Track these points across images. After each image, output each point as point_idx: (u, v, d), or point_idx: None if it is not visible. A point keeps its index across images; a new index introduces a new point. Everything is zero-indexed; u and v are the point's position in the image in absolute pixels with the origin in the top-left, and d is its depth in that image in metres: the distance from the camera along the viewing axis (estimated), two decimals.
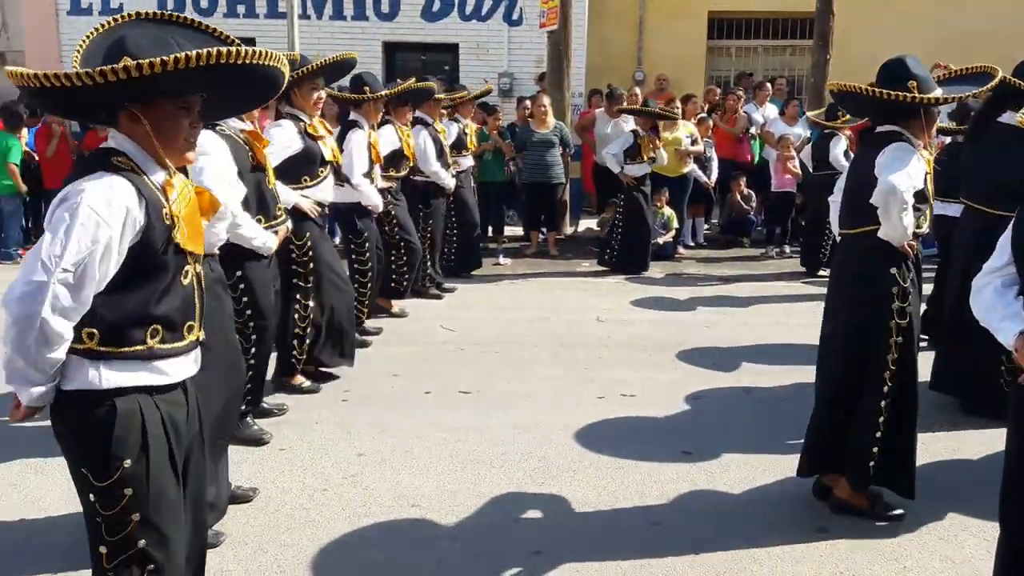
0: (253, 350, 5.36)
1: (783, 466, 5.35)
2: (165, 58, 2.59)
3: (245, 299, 5.22)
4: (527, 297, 10.23)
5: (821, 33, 14.16)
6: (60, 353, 2.71)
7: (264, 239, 5.17)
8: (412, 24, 17.06)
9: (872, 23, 16.24)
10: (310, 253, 6.35)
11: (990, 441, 5.82)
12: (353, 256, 7.76)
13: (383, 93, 7.76)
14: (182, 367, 3.01)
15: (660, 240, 12.42)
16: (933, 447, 5.59)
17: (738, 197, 13.66)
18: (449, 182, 9.69)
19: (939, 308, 7.41)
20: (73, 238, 2.64)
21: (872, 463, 4.62)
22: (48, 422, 2.88)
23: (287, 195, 6.03)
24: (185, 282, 2.97)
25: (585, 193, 15.37)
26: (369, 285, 7.89)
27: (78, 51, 2.99)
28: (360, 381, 6.94)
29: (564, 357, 7.75)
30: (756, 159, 14.12)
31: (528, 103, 13.30)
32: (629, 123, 11.86)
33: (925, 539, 4.58)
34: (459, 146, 10.66)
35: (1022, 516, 3.31)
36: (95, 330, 2.78)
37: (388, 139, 8.35)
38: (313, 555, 4.38)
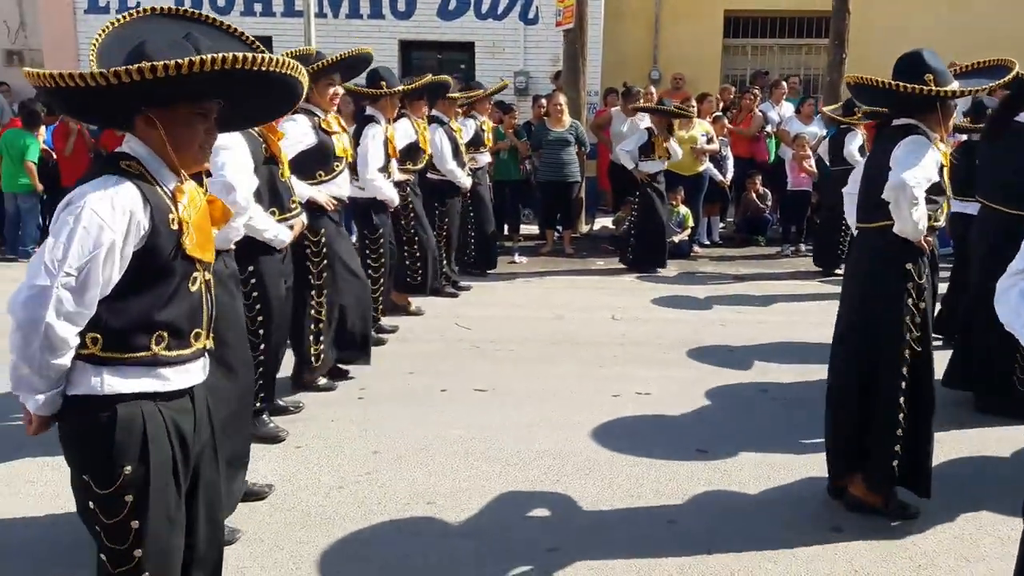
0: (262, 345, 5.34)
1: (798, 465, 5.36)
2: (180, 61, 2.56)
3: (255, 294, 5.20)
4: (542, 295, 10.24)
5: (837, 32, 14.13)
6: (66, 360, 2.68)
7: (276, 231, 5.15)
8: (428, 22, 17.08)
9: (888, 22, 16.18)
10: (324, 250, 6.36)
11: (1005, 440, 5.84)
12: (368, 251, 7.78)
13: (399, 88, 7.77)
14: (188, 375, 2.97)
15: (676, 239, 12.42)
16: (947, 445, 5.57)
17: (754, 196, 13.64)
18: (465, 181, 9.71)
19: (953, 308, 7.40)
20: (76, 242, 2.62)
21: (896, 462, 4.59)
22: None
23: (302, 189, 6.04)
24: (193, 289, 2.92)
25: (601, 191, 15.37)
26: (382, 281, 7.91)
27: (94, 45, 2.97)
28: (376, 379, 6.96)
29: (579, 355, 7.76)
30: (772, 158, 14.08)
31: (544, 102, 13.30)
32: (645, 121, 11.85)
33: (940, 537, 4.57)
34: (477, 143, 10.70)
35: None
36: (98, 335, 2.75)
37: (404, 132, 8.38)
38: (328, 552, 4.40)
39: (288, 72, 2.80)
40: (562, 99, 12.58)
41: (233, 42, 3.23)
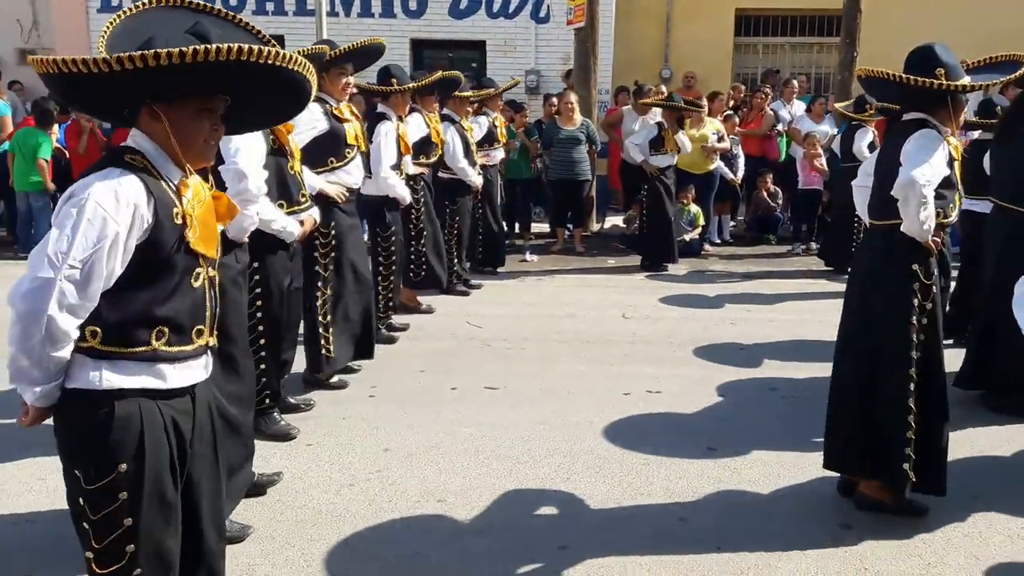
0: (263, 340, 5.31)
1: (808, 463, 5.35)
2: (185, 49, 2.54)
3: (258, 290, 5.18)
4: (553, 293, 10.25)
5: (848, 30, 14.12)
6: (66, 352, 2.65)
7: (284, 223, 5.12)
8: (440, 21, 17.09)
9: (899, 20, 16.13)
10: (334, 243, 6.38)
11: (1016, 439, 5.83)
12: (380, 249, 7.80)
13: (410, 85, 7.79)
14: (189, 372, 2.93)
15: (687, 237, 12.43)
16: (958, 444, 5.54)
17: (764, 194, 13.64)
18: (476, 179, 9.72)
19: (963, 307, 7.39)
20: (80, 234, 2.59)
21: (907, 465, 4.57)
22: None
23: (312, 180, 6.05)
24: (196, 284, 2.89)
25: (612, 190, 15.38)
26: (393, 279, 7.93)
27: (103, 36, 2.91)
28: (387, 377, 6.98)
29: (590, 353, 7.77)
30: (783, 156, 14.07)
31: (555, 100, 13.34)
32: (656, 119, 11.84)
33: (950, 536, 4.57)
34: (491, 139, 10.72)
35: None
36: (98, 328, 2.71)
37: (416, 126, 8.41)
38: (339, 549, 4.41)
39: (295, 68, 2.77)
40: (573, 98, 12.60)
41: (243, 35, 3.21)
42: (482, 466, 5.40)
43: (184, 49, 2.54)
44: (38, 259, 2.60)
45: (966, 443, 5.67)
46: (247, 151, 4.51)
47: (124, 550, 2.77)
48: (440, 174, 9.37)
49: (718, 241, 13.59)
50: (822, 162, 12.39)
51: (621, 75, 16.56)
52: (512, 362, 7.50)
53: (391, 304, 8.08)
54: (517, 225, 13.61)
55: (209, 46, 2.56)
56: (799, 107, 14.22)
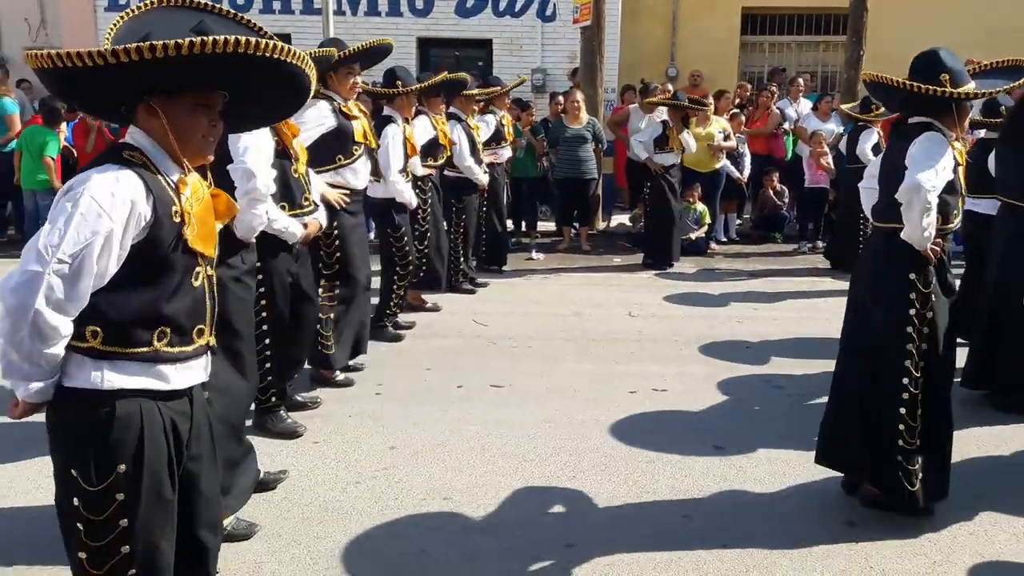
0: (267, 340, 5.31)
1: (813, 461, 5.36)
2: (181, 41, 2.50)
3: (262, 289, 5.15)
4: (559, 292, 10.25)
5: (855, 29, 14.10)
6: (58, 349, 2.61)
7: (286, 224, 5.09)
8: (446, 20, 17.10)
9: (906, 18, 16.12)
10: (336, 243, 6.41)
11: (1020, 438, 5.84)
12: (393, 249, 7.80)
13: (415, 87, 7.80)
14: (190, 372, 2.92)
15: (692, 235, 12.43)
16: (962, 444, 5.54)
17: (771, 192, 13.64)
18: (482, 178, 9.73)
19: (965, 306, 7.36)
20: (72, 228, 2.55)
21: (901, 473, 4.57)
22: None
23: (315, 184, 6.05)
24: (196, 284, 2.87)
25: (618, 188, 15.38)
26: (408, 278, 7.95)
27: (107, 38, 2.91)
28: (393, 375, 7.00)
29: (596, 352, 7.78)
30: (789, 155, 14.06)
31: (561, 99, 13.33)
32: (662, 117, 11.84)
33: (955, 534, 4.57)
34: (498, 138, 10.75)
35: None
36: (98, 328, 2.68)
37: (424, 129, 8.42)
38: (345, 547, 4.43)
39: (294, 61, 2.74)
40: (579, 96, 12.61)
41: (247, 33, 3.19)
42: (488, 464, 5.41)
43: (180, 41, 2.51)
44: (29, 252, 2.57)
45: (971, 442, 5.67)
46: (255, 150, 4.52)
47: (119, 551, 2.75)
48: (446, 173, 9.38)
49: (724, 239, 13.58)
50: (828, 160, 12.37)
51: (627, 74, 16.57)
52: (518, 360, 7.51)
53: (400, 303, 8.09)
54: (523, 223, 13.61)
55: (205, 38, 2.53)
56: (805, 105, 14.20)
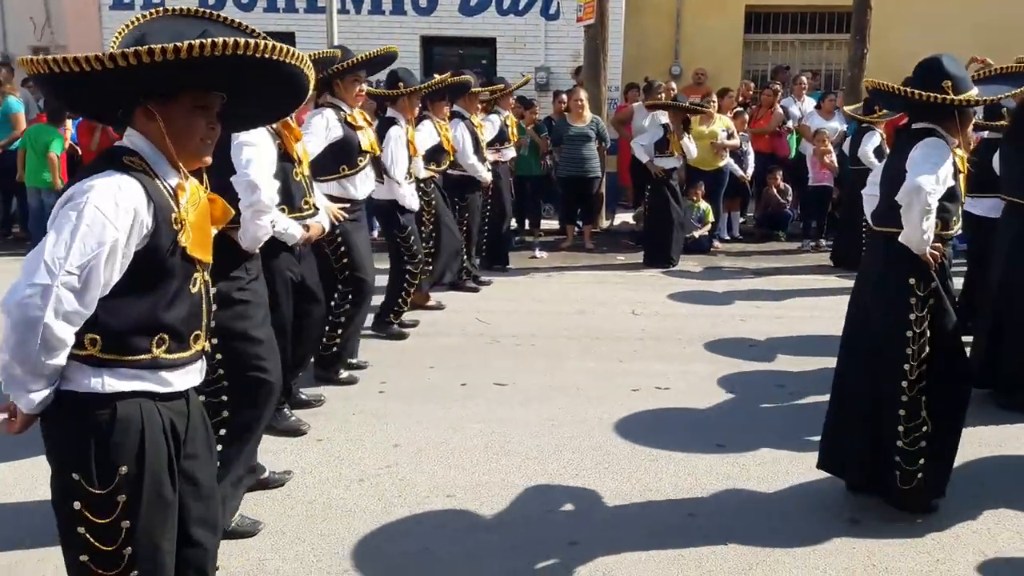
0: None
1: (815, 459, 5.36)
2: (179, 44, 2.48)
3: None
4: (563, 290, 10.26)
5: (859, 27, 14.09)
6: (61, 359, 2.58)
7: (286, 225, 5.05)
8: (450, 18, 17.11)
9: (909, 17, 16.11)
10: (342, 248, 6.42)
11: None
12: (401, 249, 7.80)
13: (417, 87, 7.81)
14: (187, 376, 2.90)
15: (696, 234, 12.44)
16: (966, 442, 5.49)
17: (774, 191, 13.63)
18: (486, 176, 9.74)
19: (968, 303, 7.37)
20: (78, 240, 2.52)
21: (899, 472, 4.59)
22: None
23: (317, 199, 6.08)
24: (193, 290, 2.85)
25: (621, 187, 15.38)
26: (419, 276, 7.96)
27: (114, 43, 2.84)
28: (396, 373, 7.01)
29: (599, 350, 7.79)
30: (793, 153, 14.06)
31: (564, 97, 13.33)
32: (665, 117, 11.84)
33: (958, 532, 4.57)
34: (502, 138, 10.77)
35: None
36: (97, 336, 2.65)
37: (428, 134, 8.44)
38: (349, 544, 4.44)
39: (291, 61, 2.72)
40: (583, 95, 12.60)
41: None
42: (491, 462, 5.42)
43: (179, 45, 2.49)
44: (34, 264, 2.52)
45: (974, 440, 5.66)
46: (258, 161, 4.48)
47: (122, 553, 2.74)
48: (450, 171, 9.39)
49: (728, 238, 13.59)
50: (832, 159, 12.38)
51: (631, 72, 16.58)
52: (522, 358, 7.52)
53: (407, 301, 8.10)
54: (527, 222, 13.62)
55: (204, 41, 2.51)
56: (809, 104, 14.20)
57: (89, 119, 10.74)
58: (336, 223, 6.21)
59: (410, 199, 7.60)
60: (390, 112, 7.73)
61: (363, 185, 6.58)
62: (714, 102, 12.83)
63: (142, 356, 2.73)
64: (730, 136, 12.85)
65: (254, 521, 4.54)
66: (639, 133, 12.37)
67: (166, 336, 2.77)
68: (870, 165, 9.81)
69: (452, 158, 9.03)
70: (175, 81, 2.68)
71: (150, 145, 2.77)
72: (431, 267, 8.82)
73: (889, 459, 4.59)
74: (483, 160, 9.69)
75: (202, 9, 3.18)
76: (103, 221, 2.56)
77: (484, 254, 10.94)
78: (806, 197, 13.43)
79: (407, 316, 8.35)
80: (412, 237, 7.78)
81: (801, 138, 13.79)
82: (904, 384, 4.52)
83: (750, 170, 13.54)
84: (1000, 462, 5.51)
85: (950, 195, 4.52)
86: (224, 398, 4.41)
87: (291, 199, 5.24)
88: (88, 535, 2.71)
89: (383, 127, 7.48)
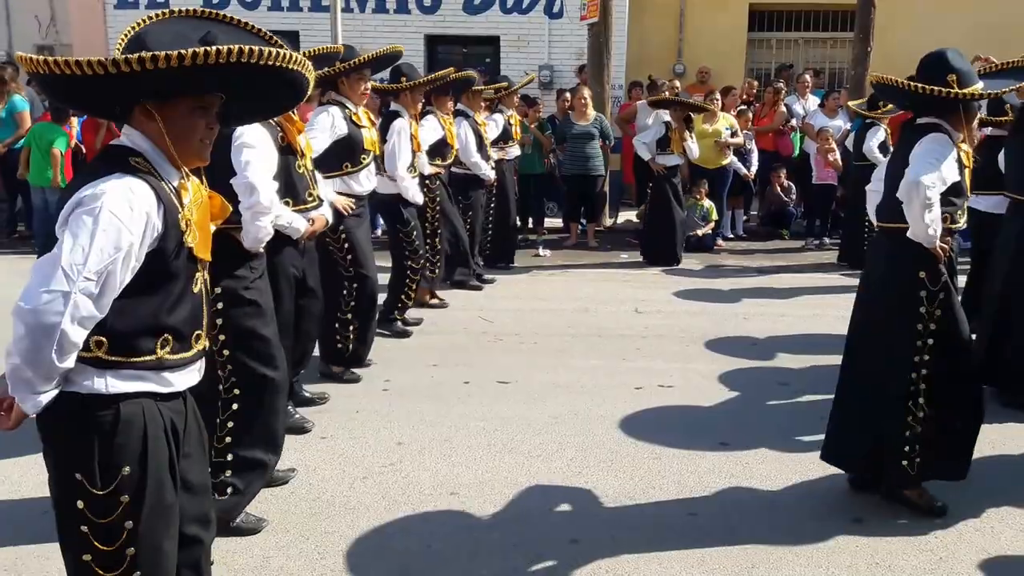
0: None
1: (819, 457, 5.38)
2: (184, 52, 2.49)
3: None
4: (566, 288, 10.27)
5: (862, 25, 14.08)
6: (71, 362, 2.57)
7: (290, 219, 5.07)
8: (454, 17, 17.11)
9: (913, 15, 16.09)
10: (347, 245, 6.44)
11: None
12: (404, 244, 7.82)
13: (420, 81, 7.82)
14: (188, 376, 2.91)
15: (699, 232, 12.44)
16: None
17: (778, 189, 13.63)
18: (489, 174, 9.76)
19: (974, 301, 7.37)
20: (96, 245, 2.51)
21: (905, 462, 4.60)
22: None
23: (323, 191, 6.10)
24: (195, 290, 2.86)
25: (625, 185, 15.39)
26: (420, 272, 7.97)
27: (119, 46, 2.87)
28: (400, 371, 7.02)
29: (602, 348, 7.79)
30: (797, 152, 14.06)
31: (568, 95, 13.35)
32: (667, 114, 11.84)
33: (961, 530, 4.58)
34: (506, 137, 10.78)
35: None
36: (104, 339, 2.64)
37: (432, 128, 8.45)
38: (353, 542, 4.45)
39: (292, 67, 2.72)
40: (586, 93, 12.61)
41: (255, 40, 3.18)
42: (495, 460, 5.43)
43: (183, 52, 2.50)
44: (50, 270, 2.51)
45: (978, 438, 5.67)
46: (257, 163, 4.46)
47: (124, 553, 2.74)
48: (453, 170, 9.40)
49: (731, 236, 13.58)
50: (836, 157, 12.38)
51: (634, 70, 16.56)
52: (525, 356, 7.52)
53: (410, 298, 8.11)
54: (530, 220, 13.63)
55: (209, 48, 2.52)
56: (813, 102, 14.20)
57: (86, 114, 10.76)
58: (346, 213, 6.28)
59: (413, 191, 7.61)
60: (393, 106, 7.74)
61: (366, 181, 6.61)
62: (717, 100, 12.84)
63: (147, 357, 2.73)
64: (734, 134, 12.85)
65: (258, 518, 4.56)
66: (643, 131, 12.37)
67: (170, 337, 2.77)
68: (875, 161, 9.81)
69: (456, 152, 9.03)
70: (176, 85, 2.68)
71: (151, 144, 2.76)
72: (438, 266, 8.83)
73: (894, 453, 4.59)
74: (487, 159, 9.70)
75: (206, 9, 3.17)
76: (119, 226, 2.55)
77: (488, 252, 10.94)
78: (810, 195, 13.43)
79: (411, 314, 8.36)
80: (415, 232, 7.79)
81: (805, 136, 13.78)
82: (913, 376, 4.52)
83: (754, 168, 13.53)
84: (1003, 460, 5.50)
85: (955, 190, 4.51)
86: (236, 392, 4.43)
87: (295, 191, 5.26)
88: (90, 535, 2.71)
89: (387, 121, 7.49)
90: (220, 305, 4.35)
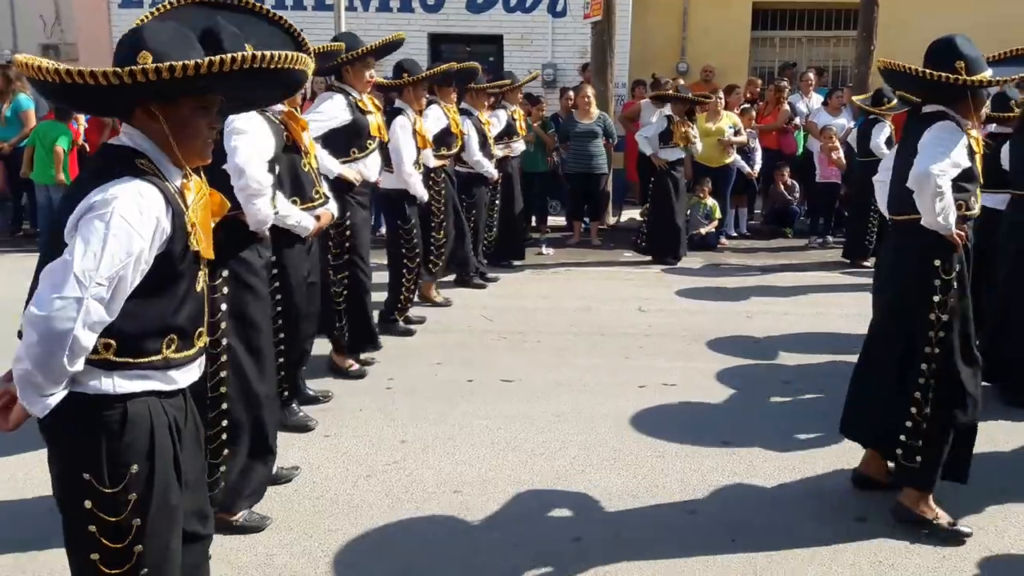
0: (281, 335, 5.33)
1: (822, 456, 5.39)
2: (188, 63, 2.51)
3: (276, 284, 5.17)
4: (569, 286, 10.28)
5: (866, 24, 14.08)
6: (80, 364, 2.57)
7: (299, 218, 5.11)
8: (457, 15, 17.11)
9: (917, 14, 16.05)
10: (347, 233, 6.48)
11: None
12: (402, 241, 7.83)
13: (422, 75, 7.83)
14: (190, 373, 2.92)
15: (703, 230, 12.44)
16: None
17: (781, 187, 13.62)
18: (492, 171, 9.77)
19: (978, 298, 7.37)
20: (108, 251, 2.51)
21: (901, 451, 4.56)
22: None
23: (332, 165, 6.18)
24: (198, 288, 2.87)
25: (628, 183, 15.38)
26: (416, 272, 7.98)
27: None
28: (403, 369, 7.03)
29: (605, 346, 7.80)
30: (800, 150, 14.05)
31: (571, 94, 13.34)
32: (667, 112, 11.83)
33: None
34: (510, 132, 10.78)
35: None
36: (112, 341, 2.65)
37: (436, 118, 8.46)
38: (356, 540, 4.46)
39: (299, 67, 2.75)
40: (590, 91, 12.61)
41: (260, 21, 3.16)
42: (498, 458, 5.44)
43: (186, 63, 2.52)
44: (62, 276, 2.50)
45: (981, 436, 5.58)
46: (245, 148, 4.44)
47: (132, 551, 2.75)
48: (457, 168, 9.41)
49: (735, 234, 13.58)
50: (839, 155, 12.37)
51: (638, 69, 16.55)
52: (528, 355, 7.53)
53: (410, 297, 8.11)
54: (534, 218, 13.63)
55: (213, 58, 2.54)
56: (816, 100, 14.20)
57: (85, 113, 10.78)
58: (356, 182, 6.39)
59: (419, 188, 7.62)
60: (398, 103, 7.76)
61: (373, 168, 6.67)
62: (720, 99, 12.83)
63: (154, 357, 2.74)
64: (737, 133, 12.86)
65: (262, 516, 4.57)
66: (640, 131, 12.37)
67: (175, 337, 2.79)
68: (882, 156, 9.75)
69: (461, 142, 9.05)
70: (181, 90, 2.68)
71: (153, 144, 2.75)
72: (443, 259, 8.84)
73: (897, 437, 4.58)
74: (490, 157, 9.71)
75: None
76: (129, 231, 2.56)
77: (492, 250, 10.93)
78: (813, 194, 13.43)
79: (414, 313, 8.37)
80: (414, 231, 7.80)
81: (808, 135, 13.78)
82: (924, 367, 4.49)
83: (757, 167, 13.54)
84: (1006, 458, 5.51)
85: (967, 176, 4.45)
86: (223, 389, 4.43)
87: (302, 190, 5.30)
88: (99, 534, 2.72)
89: (390, 118, 7.51)
90: (225, 290, 4.35)
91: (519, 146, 11.16)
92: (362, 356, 7.03)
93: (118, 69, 2.50)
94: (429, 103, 8.42)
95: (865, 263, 11.08)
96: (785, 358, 7.47)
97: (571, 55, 17.01)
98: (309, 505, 4.81)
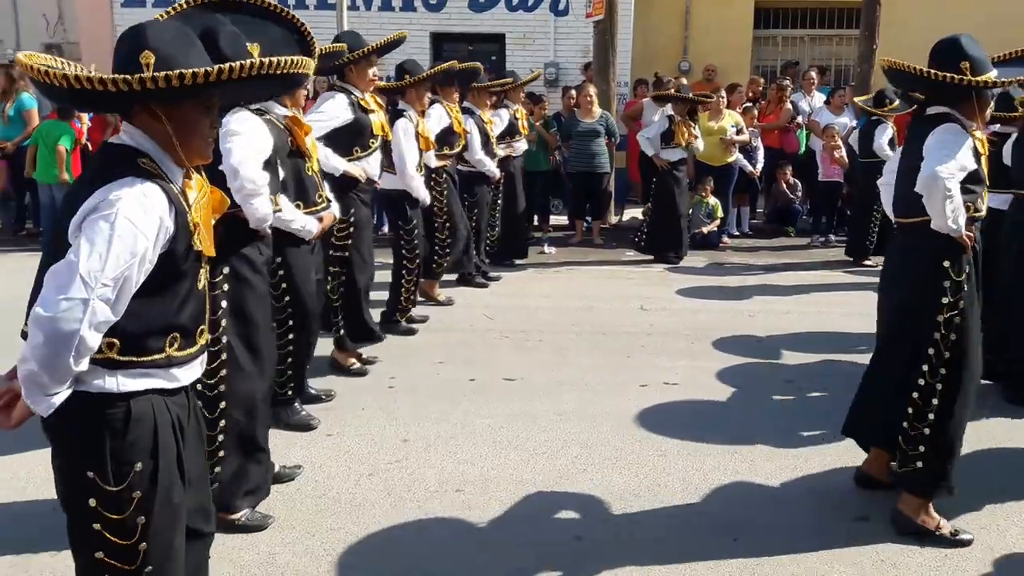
0: (291, 335, 5.36)
1: (824, 455, 5.38)
2: (196, 71, 2.54)
3: (284, 285, 5.21)
4: (571, 285, 10.28)
5: (868, 22, 14.07)
6: (85, 364, 2.58)
7: (303, 222, 5.12)
8: (459, 14, 17.12)
9: (919, 12, 16.05)
10: (350, 230, 6.49)
11: None
12: (403, 242, 7.84)
13: (423, 75, 7.83)
14: (192, 371, 2.93)
15: (705, 229, 12.45)
16: (976, 435, 5.53)
17: (783, 186, 13.62)
18: (494, 171, 9.77)
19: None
20: (113, 252, 2.52)
21: (908, 449, 4.54)
22: None
23: (337, 163, 6.21)
24: (199, 286, 2.88)
25: (631, 183, 15.38)
26: (417, 272, 7.98)
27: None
28: (406, 368, 7.04)
29: (607, 345, 7.80)
30: (803, 149, 14.05)
31: (574, 93, 13.35)
32: (669, 112, 11.84)
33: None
34: (512, 132, 10.78)
35: None
36: (116, 340, 2.66)
37: (438, 117, 8.46)
38: (358, 539, 4.46)
39: (300, 71, 2.79)
40: (592, 90, 12.61)
41: (264, 14, 3.15)
42: (500, 457, 5.44)
43: (196, 71, 2.55)
44: (67, 277, 2.50)
45: (982, 434, 5.67)
46: (239, 149, 4.44)
47: (137, 548, 2.75)
48: (459, 167, 9.41)
49: (737, 233, 13.58)
50: (842, 154, 12.37)
51: (640, 68, 16.56)
52: (530, 354, 7.53)
53: (411, 298, 8.12)
54: (536, 218, 13.63)
55: (222, 66, 2.57)
56: (818, 99, 14.19)
57: (87, 112, 10.78)
58: (362, 179, 6.43)
59: (421, 191, 7.63)
60: (400, 105, 7.76)
61: (376, 166, 6.70)
62: (723, 98, 12.83)
63: (157, 356, 2.75)
64: (739, 132, 12.86)
65: (264, 515, 4.57)
66: (642, 131, 12.37)
67: (178, 335, 2.80)
68: (885, 157, 9.78)
69: (464, 142, 9.06)
70: (183, 95, 2.69)
71: (155, 144, 2.76)
72: (446, 260, 8.85)
73: (894, 439, 4.58)
74: (492, 156, 9.72)
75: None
76: (134, 232, 2.56)
77: (494, 249, 10.94)
78: (816, 193, 13.43)
79: (417, 312, 8.37)
80: (415, 232, 7.81)
81: (810, 134, 13.78)
82: (925, 368, 4.47)
83: (759, 166, 13.54)
84: (1008, 456, 5.51)
85: (974, 177, 4.42)
86: (222, 389, 4.44)
87: (305, 194, 5.31)
88: (104, 532, 2.72)
89: (392, 120, 7.51)
90: (226, 287, 4.36)
91: (521, 145, 11.16)
92: (364, 355, 7.04)
93: (127, 77, 2.51)
94: (432, 103, 8.42)
95: (867, 262, 11.08)
96: (787, 357, 7.47)
97: (573, 54, 17.01)
98: (311, 504, 4.81)
